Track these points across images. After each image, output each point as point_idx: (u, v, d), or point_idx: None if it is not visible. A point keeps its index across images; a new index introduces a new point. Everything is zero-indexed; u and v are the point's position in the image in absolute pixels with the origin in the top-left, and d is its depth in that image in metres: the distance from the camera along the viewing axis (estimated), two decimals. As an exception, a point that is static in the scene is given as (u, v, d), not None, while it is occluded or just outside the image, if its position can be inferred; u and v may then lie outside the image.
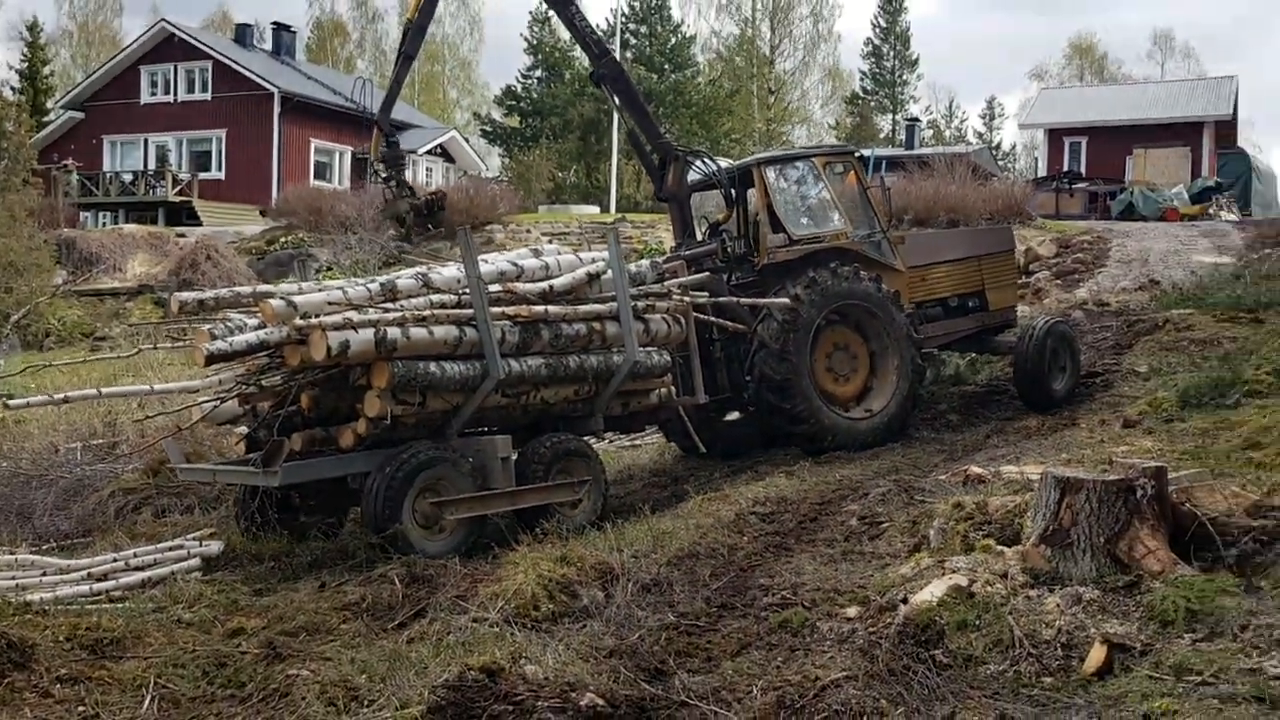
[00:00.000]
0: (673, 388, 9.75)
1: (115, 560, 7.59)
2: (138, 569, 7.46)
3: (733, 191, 12.07)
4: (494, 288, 8.38)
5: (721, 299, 10.51)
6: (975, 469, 8.06)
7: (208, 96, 41.86)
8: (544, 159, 46.58)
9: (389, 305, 7.95)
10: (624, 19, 47.45)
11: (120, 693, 5.06)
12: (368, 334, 7.47)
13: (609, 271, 9.17)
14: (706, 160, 12.44)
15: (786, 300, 10.58)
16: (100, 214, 39.73)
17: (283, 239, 30.54)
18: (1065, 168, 38.74)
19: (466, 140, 50.43)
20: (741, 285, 11.29)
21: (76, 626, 5.80)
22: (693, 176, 12.52)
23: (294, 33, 49.19)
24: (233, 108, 41.19)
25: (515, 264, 9.01)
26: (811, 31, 63.91)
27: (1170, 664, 4.29)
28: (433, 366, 7.81)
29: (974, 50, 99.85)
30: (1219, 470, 7.41)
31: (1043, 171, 40.50)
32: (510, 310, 8.29)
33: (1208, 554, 5.21)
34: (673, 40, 55.31)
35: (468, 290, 8.18)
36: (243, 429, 8.64)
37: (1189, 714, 3.86)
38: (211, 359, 7.61)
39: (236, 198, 39.83)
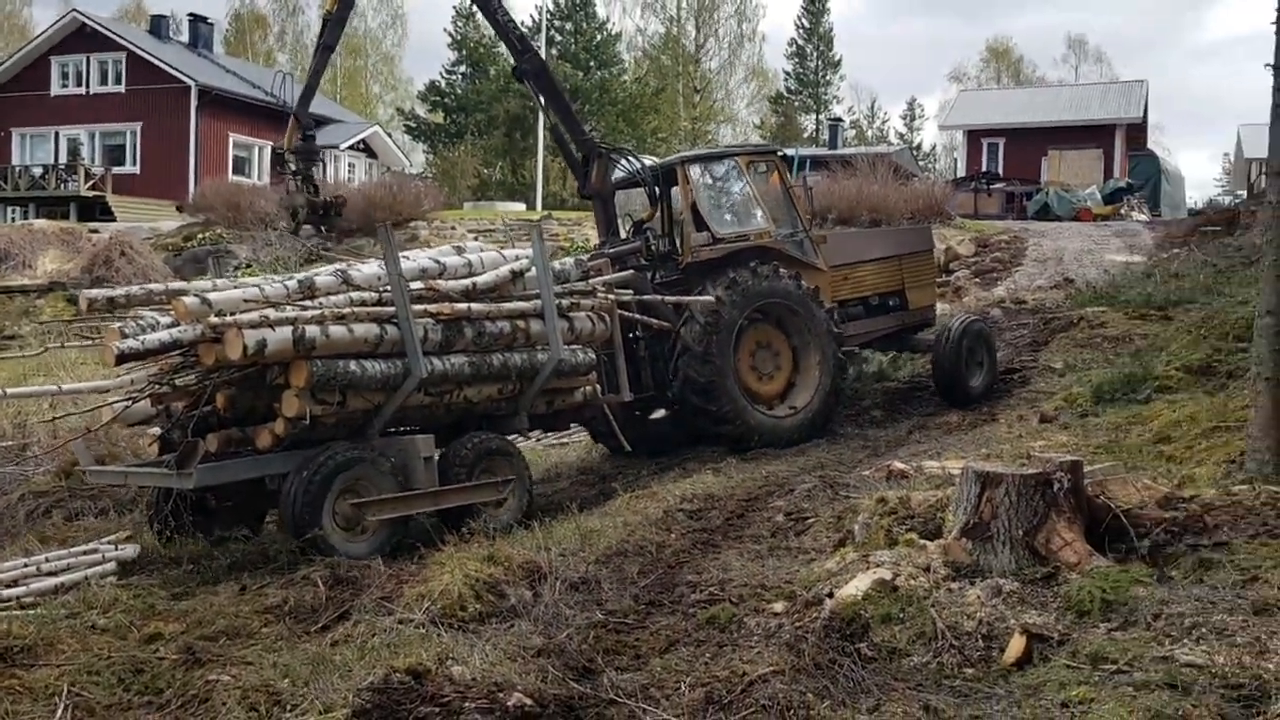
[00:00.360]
0: (597, 386, 9.73)
1: (26, 565, 7.36)
2: (50, 574, 7.25)
3: (657, 190, 12.09)
4: (416, 285, 8.25)
5: (646, 297, 10.55)
6: (898, 464, 8.19)
7: (122, 89, 40.75)
8: (469, 155, 46.30)
9: (307, 303, 7.77)
10: (549, 15, 47.23)
11: (32, 702, 4.89)
12: (285, 332, 7.32)
13: (533, 269, 9.10)
14: (630, 158, 12.47)
15: (711, 299, 10.64)
16: (9, 209, 38.47)
17: (200, 235, 29.85)
18: (984, 168, 39.51)
19: (390, 136, 49.82)
20: (665, 283, 11.34)
21: (-15, 634, 5.61)
22: (617, 174, 12.53)
23: (211, 25, 48.14)
24: (148, 101, 40.15)
25: (437, 261, 8.89)
26: (736, 31, 64.36)
27: (1087, 653, 4.39)
28: (353, 365, 7.70)
29: (894, 52, 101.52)
30: (1131, 464, 7.65)
31: (962, 172, 41.26)
32: (433, 308, 8.18)
33: (1121, 545, 5.35)
34: (598, 37, 55.29)
35: (389, 288, 8.04)
36: (156, 430, 8.44)
37: (1105, 702, 3.95)
38: (123, 358, 7.42)
39: (152, 193, 38.83)
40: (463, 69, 54.78)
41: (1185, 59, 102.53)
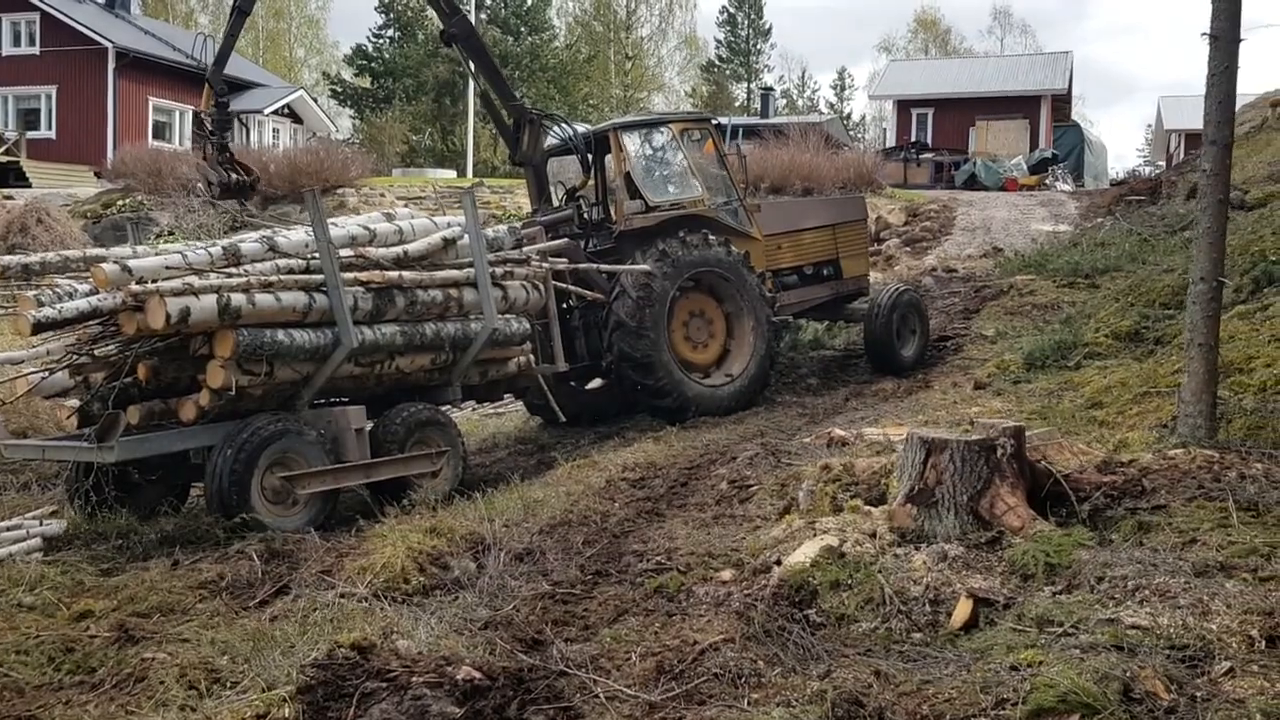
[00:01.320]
0: (531, 356, 9.60)
1: (-54, 543, 7.07)
2: (-30, 552, 6.97)
3: (589, 157, 11.95)
4: (345, 252, 8.04)
5: (580, 266, 10.42)
6: (838, 431, 8.23)
7: (36, 50, 39.27)
8: (397, 121, 45.55)
9: (232, 270, 7.51)
10: (479, -20, 46.57)
11: (-43, 684, 4.72)
12: (210, 300, 7.09)
13: (465, 237, 8.92)
14: (562, 124, 12.31)
15: (645, 268, 10.55)
16: (-85, 174, 37.00)
17: (120, 202, 29.01)
18: (913, 138, 39.85)
19: (315, 101, 48.74)
20: (599, 252, 11.23)
21: (-94, 615, 5.40)
22: (549, 141, 12.37)
23: (129, -15, 46.60)
24: (63, 63, 38.75)
25: (367, 228, 8.66)
26: (667, -1, 63.94)
27: (1032, 616, 4.43)
28: (280, 334, 7.48)
29: (823, 21, 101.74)
30: (1065, 429, 7.76)
31: (891, 142, 41.60)
32: (363, 276, 7.95)
33: (1062, 509, 5.42)
34: (528, 3, 54.56)
35: (317, 255, 7.81)
36: (74, 402, 8.10)
37: (1053, 664, 3.99)
38: (39, 327, 7.15)
39: (69, 158, 37.59)
40: (390, 33, 53.74)
41: (1103, 31, 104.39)
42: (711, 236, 11.16)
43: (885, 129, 52.04)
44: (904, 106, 42.23)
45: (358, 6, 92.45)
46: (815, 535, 5.33)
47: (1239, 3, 6.30)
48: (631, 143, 11.60)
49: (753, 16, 70.10)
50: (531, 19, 53.80)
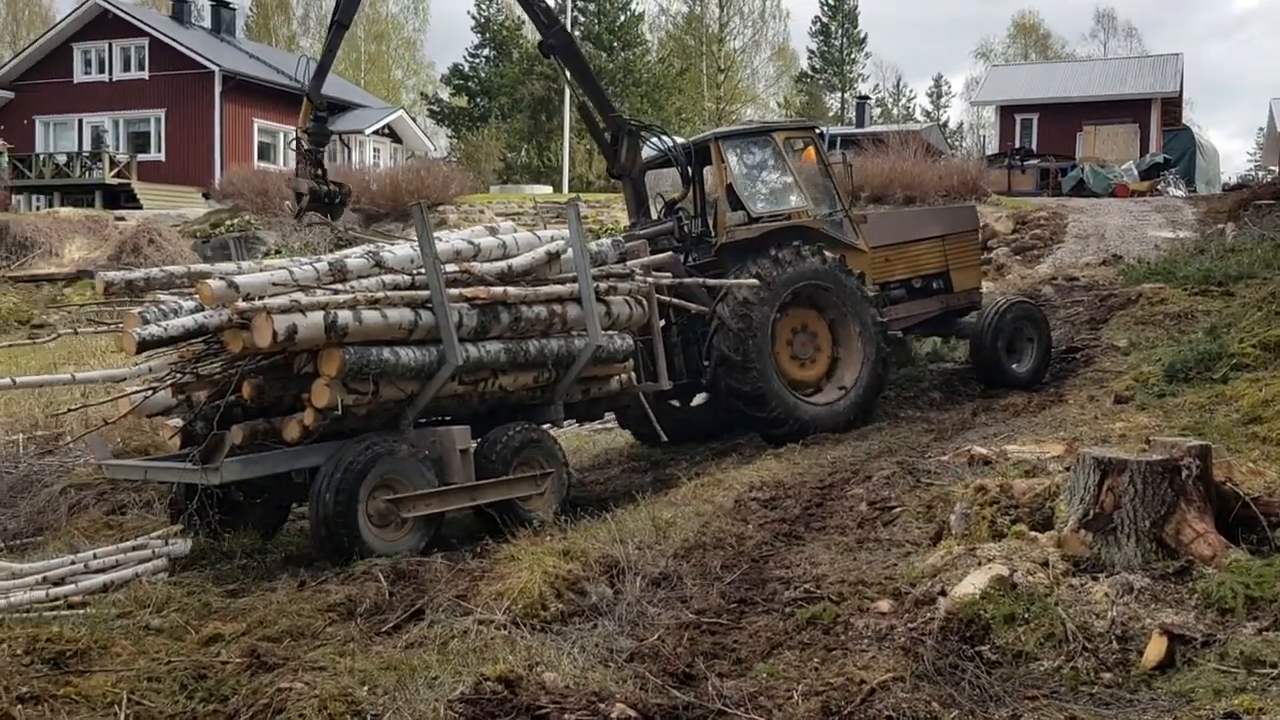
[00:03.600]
0: (632, 374, 9.26)
1: (73, 562, 7.03)
2: (98, 571, 6.91)
3: (689, 169, 11.55)
4: (450, 268, 7.79)
5: (684, 280, 10.01)
6: (978, 449, 7.79)
7: (145, 75, 40.55)
8: (494, 139, 45.89)
9: (339, 287, 7.29)
10: (572, -3, 46.82)
11: (90, 711, 4.58)
12: (316, 317, 6.85)
13: (569, 251, 8.59)
14: (661, 136, 11.98)
15: (753, 280, 10.12)
16: (34, 197, 38.35)
17: (228, 222, 29.69)
18: (1017, 144, 38.82)
19: (414, 120, 49.49)
20: (699, 265, 10.83)
21: (35, 638, 5.30)
22: (647, 153, 12.06)
23: (233, 9, 47.85)
24: (172, 87, 39.93)
25: (471, 242, 8.42)
26: (760, 9, 63.59)
27: (1237, 655, 4.02)
28: (386, 353, 7.21)
29: (918, 30, 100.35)
30: (1226, 446, 7.22)
31: (992, 148, 40.59)
32: (468, 292, 7.70)
33: (1252, 536, 4.96)
34: (621, 18, 54.65)
35: (422, 270, 7.54)
36: (177, 421, 7.93)
37: (1274, 710, 3.59)
38: (144, 345, 6.99)
39: (177, 180, 38.66)
40: (486, 52, 54.31)
41: (1204, 35, 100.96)
42: (805, 248, 10.63)
43: (985, 136, 50.95)
44: (1007, 112, 41.20)
45: (454, 27, 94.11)
46: (980, 563, 4.94)
47: None
48: (732, 153, 11.15)
49: (847, 26, 69.34)
50: (625, 34, 53.85)
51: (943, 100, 75.72)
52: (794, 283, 10.45)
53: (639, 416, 9.92)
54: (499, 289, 7.93)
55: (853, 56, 69.70)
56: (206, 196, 35.58)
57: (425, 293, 7.47)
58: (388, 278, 7.62)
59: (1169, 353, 11.13)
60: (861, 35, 69.88)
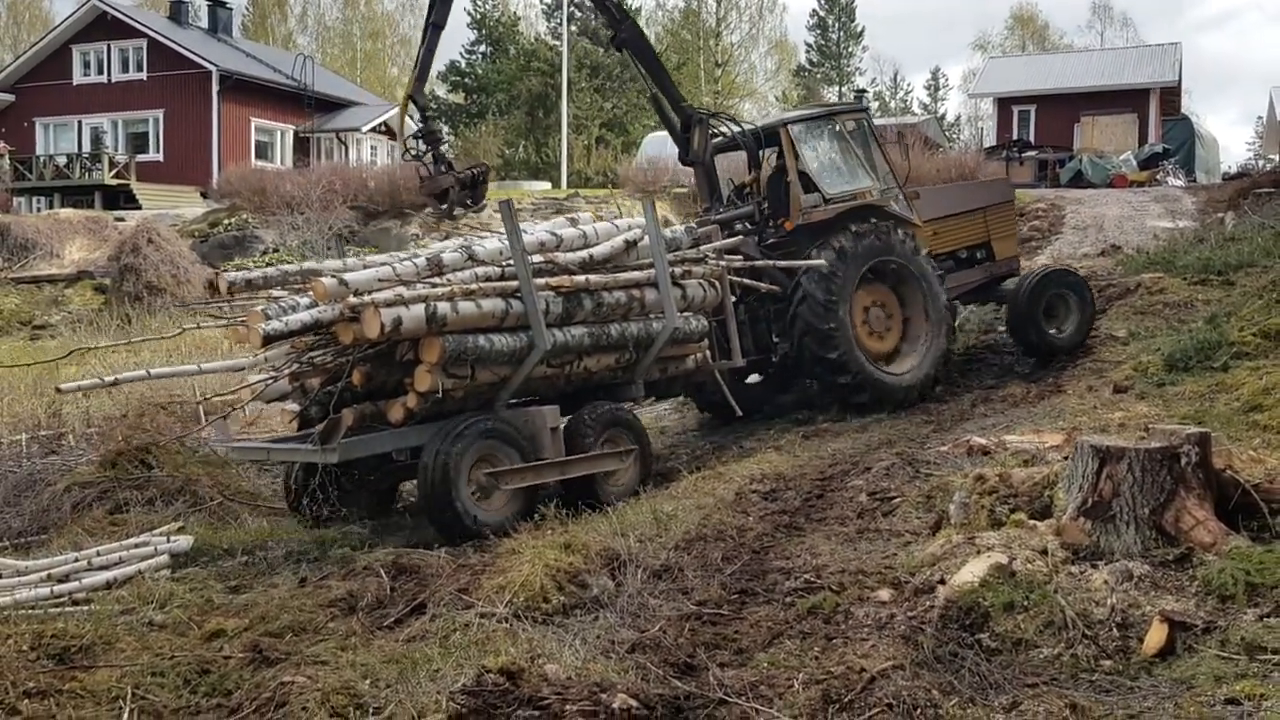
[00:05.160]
0: (707, 352, 9.84)
1: (77, 559, 7.05)
2: (101, 568, 6.92)
3: (760, 153, 11.97)
4: (535, 258, 8.34)
5: (757, 262, 10.57)
6: (977, 439, 7.80)
7: (143, 76, 40.51)
8: (491, 135, 45.89)
9: (436, 280, 7.89)
10: (569, -8, 46.62)
11: (95, 706, 4.60)
12: (419, 309, 7.45)
13: (646, 238, 9.13)
14: (729, 124, 12.40)
15: (822, 262, 10.62)
16: (34, 199, 38.35)
17: (226, 221, 29.66)
18: (1014, 136, 38.78)
19: (411, 117, 49.35)
20: (771, 245, 11.30)
21: (41, 633, 5.32)
22: (715, 140, 12.42)
23: (230, 9, 47.74)
24: (170, 87, 39.89)
25: (554, 234, 8.97)
26: (758, 3, 63.47)
27: (1239, 642, 4.04)
28: (481, 340, 7.79)
29: (915, 22, 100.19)
30: (1227, 434, 7.22)
31: (990, 141, 40.52)
32: (553, 281, 8.28)
33: (1253, 523, 4.97)
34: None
35: (510, 262, 8.14)
36: (293, 406, 8.54)
37: (1275, 696, 3.60)
38: (269, 339, 7.47)
39: (176, 179, 38.64)
40: (483, 48, 54.32)
41: (1201, 24, 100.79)
42: (880, 225, 11.16)
43: (983, 128, 50.89)
44: (1005, 104, 41.11)
45: (451, 24, 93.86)
46: (979, 552, 4.96)
47: None
48: (802, 137, 11.61)
49: (844, 20, 69.27)
50: (622, 29, 53.85)
51: (940, 93, 75.59)
52: (871, 257, 11.04)
53: (712, 393, 10.51)
54: (581, 277, 8.48)
55: (850, 50, 69.61)
56: (204, 196, 35.58)
57: (515, 283, 8.05)
58: (480, 270, 8.20)
59: (1168, 342, 11.13)
60: (859, 29, 69.82)
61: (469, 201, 10.49)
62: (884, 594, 4.91)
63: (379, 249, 27.89)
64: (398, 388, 7.92)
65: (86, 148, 40.10)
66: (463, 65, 54.14)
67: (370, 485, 8.80)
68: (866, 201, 11.39)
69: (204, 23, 45.78)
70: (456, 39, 72.13)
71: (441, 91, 56.04)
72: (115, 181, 37.81)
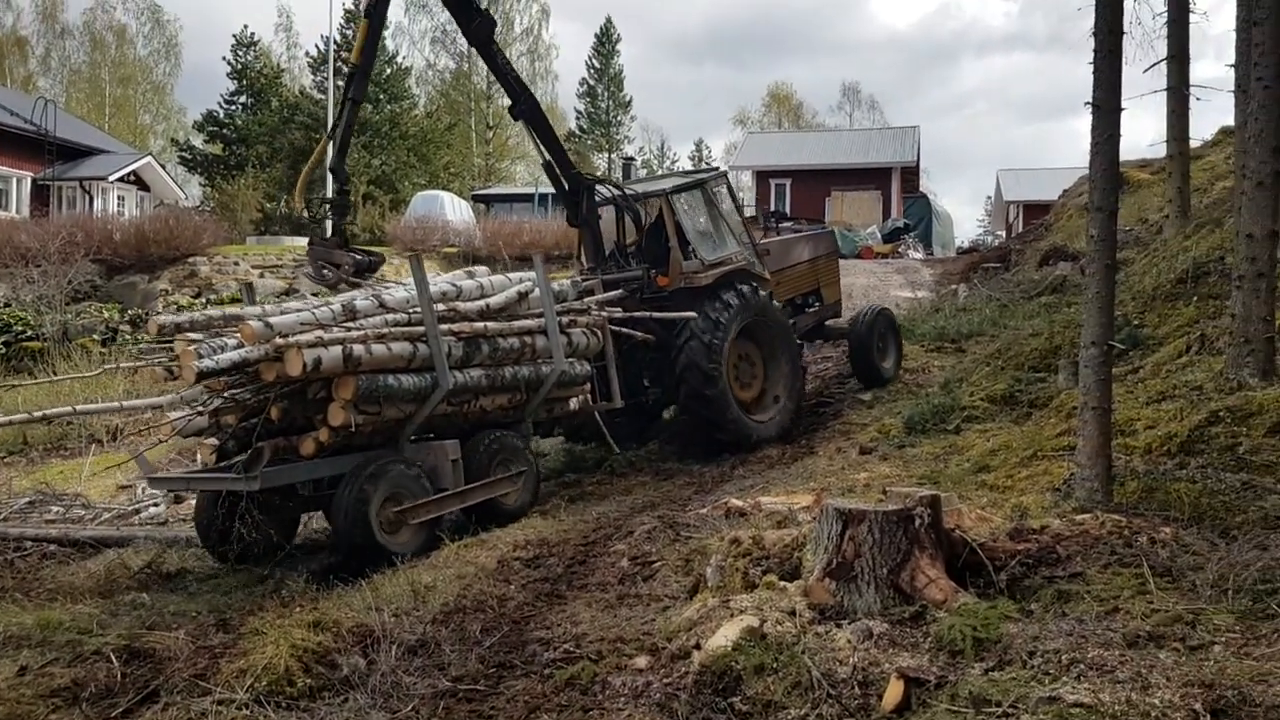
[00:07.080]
0: (588, 395, 10.80)
1: None
2: None
3: (641, 215, 12.66)
4: (439, 307, 9.13)
5: (635, 313, 11.46)
6: (734, 501, 8.02)
7: None
8: (251, 189, 44.21)
9: (350, 325, 8.63)
10: (337, 46, 45.70)
11: None
12: (336, 351, 8.11)
13: (536, 290, 10.11)
14: (611, 188, 13.05)
15: (694, 314, 11.54)
16: None
17: (-51, 272, 27.21)
18: (773, 207, 40.69)
19: (163, 167, 47.02)
20: (647, 300, 11.97)
21: None
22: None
23: (-40, 46, 44.38)
24: (-113, 126, 36.55)
25: (454, 285, 9.91)
26: (528, 69, 64.14)
27: (967, 695, 4.25)
28: (390, 379, 8.54)
29: (681, 95, 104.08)
30: (958, 493, 7.72)
31: (750, 211, 42.38)
32: (455, 327, 9.13)
33: (979, 579, 5.29)
34: (387, 71, 54.03)
35: (417, 309, 8.94)
36: (213, 440, 9.12)
37: (999, 748, 3.81)
38: (202, 375, 7.92)
39: (-108, 225, 35.19)
40: (243, 99, 52.48)
41: (937, 109, 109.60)
42: (746, 289, 12.16)
43: (743, 198, 53.13)
44: (763, 177, 43.20)
45: (207, 74, 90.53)
46: (732, 615, 5.06)
47: (1119, 74, 6.47)
48: (681, 205, 12.39)
49: (613, 89, 71.10)
50: (391, 87, 53.22)
51: (704, 163, 78.56)
52: (745, 317, 12.11)
53: (592, 430, 11.73)
54: (480, 324, 9.42)
55: (619, 119, 71.45)
56: (-74, 244, 32.55)
57: (421, 328, 8.84)
58: (389, 316, 8.99)
59: (908, 405, 11.85)
60: (627, 99, 71.82)
61: (349, 283, 10.35)
62: (641, 661, 4.93)
63: (123, 305, 26.40)
64: (308, 423, 8.50)
65: None
66: (221, 115, 52.10)
67: (279, 515, 9.19)
68: (739, 266, 12.46)
69: (-71, 58, 42.30)
70: (213, 89, 69.60)
71: (198, 142, 53.74)
72: None
